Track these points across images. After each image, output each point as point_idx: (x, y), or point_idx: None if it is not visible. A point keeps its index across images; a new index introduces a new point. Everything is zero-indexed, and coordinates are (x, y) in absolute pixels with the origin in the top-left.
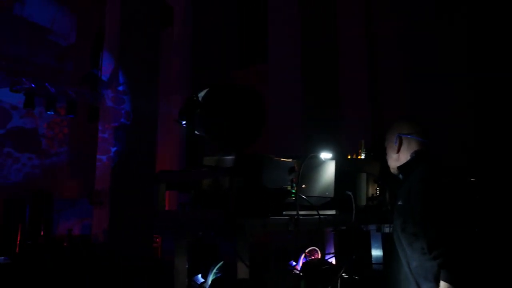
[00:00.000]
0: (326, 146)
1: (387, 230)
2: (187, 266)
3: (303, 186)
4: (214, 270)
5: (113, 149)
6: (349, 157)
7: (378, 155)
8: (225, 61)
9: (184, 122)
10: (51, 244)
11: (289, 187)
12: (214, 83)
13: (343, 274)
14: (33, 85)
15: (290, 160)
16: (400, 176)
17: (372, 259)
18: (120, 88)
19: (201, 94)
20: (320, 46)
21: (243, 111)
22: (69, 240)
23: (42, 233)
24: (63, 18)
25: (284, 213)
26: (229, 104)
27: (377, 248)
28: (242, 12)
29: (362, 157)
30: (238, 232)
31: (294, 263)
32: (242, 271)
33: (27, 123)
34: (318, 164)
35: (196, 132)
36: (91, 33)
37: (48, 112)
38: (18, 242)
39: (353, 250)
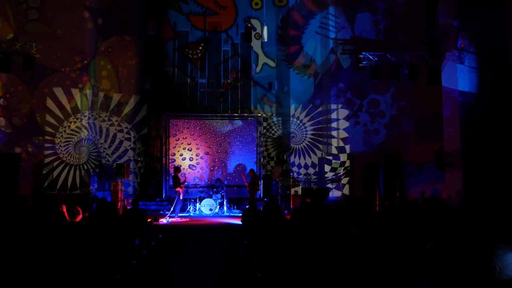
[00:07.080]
0: None
1: None
2: None
3: None
4: None
5: (460, 102)
6: None
7: None
8: None
9: None
10: (407, 204)
11: None
12: None
13: None
14: (375, 59)
15: None
16: None
17: None
18: (461, 41)
19: None
20: None
21: None
22: (424, 201)
23: (397, 195)
24: None
25: None
26: None
27: None
28: None
29: None
30: None
31: None
32: None
33: None
34: None
35: None
36: None
37: (412, 81)
38: (377, 202)
39: None
